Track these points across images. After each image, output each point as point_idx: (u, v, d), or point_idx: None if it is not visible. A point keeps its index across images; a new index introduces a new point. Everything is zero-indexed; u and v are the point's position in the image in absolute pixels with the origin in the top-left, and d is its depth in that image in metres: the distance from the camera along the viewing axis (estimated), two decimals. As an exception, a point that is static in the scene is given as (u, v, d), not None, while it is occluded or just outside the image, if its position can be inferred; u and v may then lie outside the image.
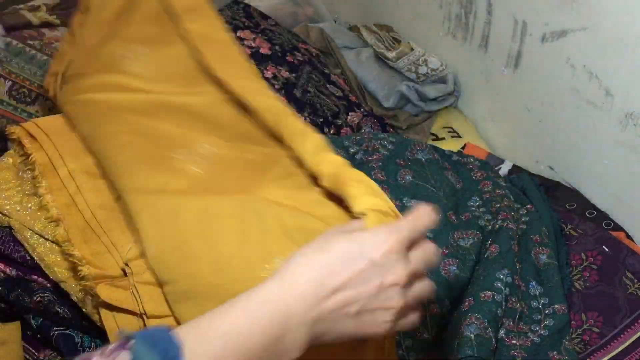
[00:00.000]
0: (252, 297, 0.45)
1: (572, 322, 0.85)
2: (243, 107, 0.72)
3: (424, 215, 0.50)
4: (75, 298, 0.69)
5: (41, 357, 0.78)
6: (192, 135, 0.70)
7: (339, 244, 0.48)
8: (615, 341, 0.82)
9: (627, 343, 0.81)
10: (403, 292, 0.48)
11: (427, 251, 0.51)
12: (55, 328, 0.75)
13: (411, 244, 0.49)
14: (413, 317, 0.51)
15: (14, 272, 0.73)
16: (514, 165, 1.18)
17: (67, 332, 0.74)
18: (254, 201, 0.64)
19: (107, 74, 0.75)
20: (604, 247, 0.91)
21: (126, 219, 0.65)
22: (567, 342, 0.81)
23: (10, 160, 0.76)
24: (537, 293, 0.87)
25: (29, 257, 0.72)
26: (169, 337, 0.41)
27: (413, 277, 0.49)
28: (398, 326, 0.50)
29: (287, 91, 1.15)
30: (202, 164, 0.67)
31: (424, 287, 0.51)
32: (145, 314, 0.62)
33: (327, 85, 1.24)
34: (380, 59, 1.42)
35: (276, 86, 1.15)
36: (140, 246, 0.62)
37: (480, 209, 0.98)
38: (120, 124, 0.70)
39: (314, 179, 0.64)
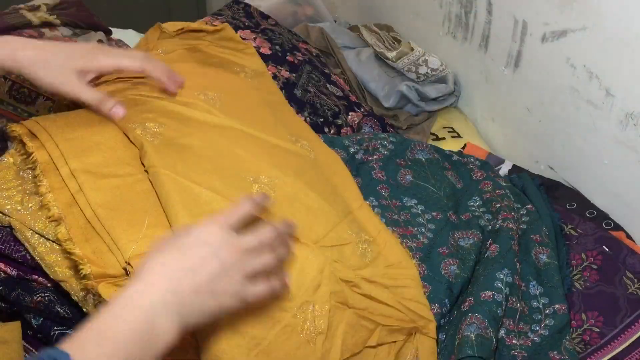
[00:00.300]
0: (119, 301, 0.53)
1: (573, 321, 0.85)
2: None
3: (243, 203, 0.62)
4: (76, 298, 0.69)
5: (41, 357, 0.78)
6: (259, 165, 0.78)
7: (182, 239, 0.58)
8: (615, 341, 0.82)
9: (628, 343, 0.81)
10: (239, 264, 0.58)
11: (260, 230, 0.61)
12: (55, 328, 0.75)
13: (244, 226, 0.61)
14: (262, 286, 0.60)
15: (14, 272, 0.73)
16: (514, 165, 1.18)
17: (68, 331, 0.74)
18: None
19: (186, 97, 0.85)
20: (604, 247, 0.91)
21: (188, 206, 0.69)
22: (567, 342, 0.81)
23: (11, 159, 0.76)
24: (538, 293, 0.87)
25: (29, 257, 0.72)
26: (58, 349, 0.47)
27: (248, 251, 0.59)
28: (251, 294, 0.59)
29: (287, 91, 1.15)
30: (264, 189, 0.76)
31: (265, 259, 0.61)
32: None
33: (328, 85, 1.24)
34: (380, 59, 1.42)
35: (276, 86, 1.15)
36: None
37: (481, 209, 0.98)
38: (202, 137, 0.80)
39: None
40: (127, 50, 0.76)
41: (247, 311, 0.64)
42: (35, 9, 1.22)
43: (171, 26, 1.03)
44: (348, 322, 0.73)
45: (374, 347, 0.76)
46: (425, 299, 0.81)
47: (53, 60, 0.69)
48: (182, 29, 1.03)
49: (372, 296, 0.76)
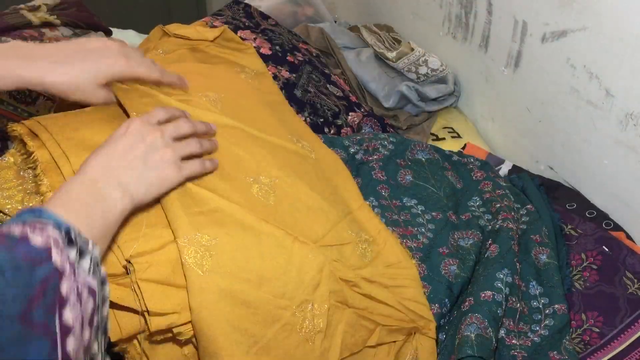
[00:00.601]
0: (66, 187, 0.61)
1: (572, 322, 0.85)
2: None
3: (159, 109, 0.72)
4: (76, 297, 0.69)
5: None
6: (259, 165, 0.80)
7: (110, 137, 0.67)
8: (615, 341, 0.82)
9: (627, 343, 0.81)
10: (166, 143, 0.68)
11: (179, 122, 0.72)
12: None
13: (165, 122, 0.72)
14: (193, 164, 0.71)
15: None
16: (514, 165, 1.18)
17: (68, 331, 0.74)
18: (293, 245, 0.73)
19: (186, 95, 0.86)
20: (604, 247, 0.91)
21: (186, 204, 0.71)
22: (567, 342, 0.81)
23: (12, 159, 0.76)
24: (537, 293, 0.87)
25: (29, 257, 0.71)
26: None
27: (172, 137, 0.69)
28: (185, 167, 0.69)
29: (287, 91, 1.15)
30: (264, 189, 0.78)
31: (191, 145, 0.72)
32: (148, 311, 0.62)
33: (328, 85, 1.24)
34: (380, 59, 1.42)
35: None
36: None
37: (480, 209, 0.98)
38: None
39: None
40: (146, 60, 0.80)
41: (246, 309, 0.64)
42: (35, 9, 1.22)
43: (173, 28, 1.03)
44: (347, 321, 0.73)
45: (373, 347, 0.76)
46: (425, 299, 0.81)
47: (82, 83, 0.73)
48: (183, 36, 1.03)
49: (372, 296, 0.76)
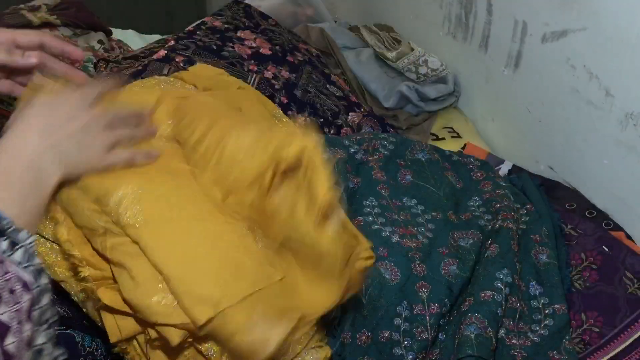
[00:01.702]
0: (5, 167, 0.58)
1: (572, 321, 0.85)
2: None
3: (97, 84, 0.69)
4: (75, 298, 0.69)
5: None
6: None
7: (48, 101, 0.64)
8: (615, 341, 0.82)
9: (627, 343, 0.81)
10: (98, 127, 0.65)
11: (112, 108, 0.69)
12: (55, 327, 0.75)
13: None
14: (124, 152, 0.67)
15: (15, 272, 0.73)
16: (514, 165, 1.18)
17: (68, 331, 0.74)
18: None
19: None
20: (604, 247, 0.91)
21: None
22: (567, 342, 0.81)
23: None
24: (537, 293, 0.87)
25: (29, 257, 0.72)
26: None
27: (104, 120, 0.66)
28: (114, 157, 0.66)
29: (287, 91, 1.15)
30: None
31: (121, 132, 0.68)
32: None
33: (328, 86, 1.24)
34: (380, 59, 1.42)
35: (276, 86, 1.15)
36: None
37: (480, 209, 0.98)
38: None
39: None
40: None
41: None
42: (35, 9, 1.23)
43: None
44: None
45: None
46: None
47: None
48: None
49: None
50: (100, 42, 1.30)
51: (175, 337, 0.61)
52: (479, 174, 1.04)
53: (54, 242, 0.69)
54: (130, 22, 1.71)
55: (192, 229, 0.65)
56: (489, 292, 0.81)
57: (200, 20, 1.28)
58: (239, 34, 1.24)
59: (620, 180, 1.00)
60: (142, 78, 1.02)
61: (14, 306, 0.49)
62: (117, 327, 0.64)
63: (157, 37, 1.52)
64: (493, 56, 1.24)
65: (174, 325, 0.61)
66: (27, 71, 0.72)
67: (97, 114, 0.66)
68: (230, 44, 1.20)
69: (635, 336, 0.81)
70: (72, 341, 0.73)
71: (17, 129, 0.61)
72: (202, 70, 1.04)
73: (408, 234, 0.90)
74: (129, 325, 0.64)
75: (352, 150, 1.03)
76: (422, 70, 1.37)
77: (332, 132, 1.16)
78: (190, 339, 0.63)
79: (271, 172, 0.66)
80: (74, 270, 0.66)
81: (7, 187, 0.57)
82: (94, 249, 0.65)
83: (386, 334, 0.79)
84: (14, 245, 0.52)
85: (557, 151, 1.13)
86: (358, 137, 1.06)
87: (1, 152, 0.59)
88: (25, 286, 0.51)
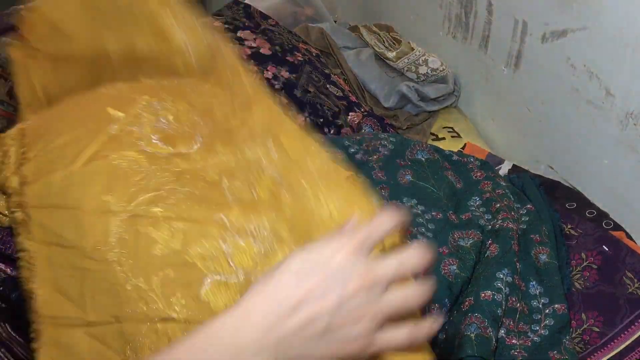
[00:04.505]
0: (207, 332, 0.43)
1: (572, 321, 0.85)
2: None
3: (386, 218, 0.46)
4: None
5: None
6: None
7: (293, 261, 0.45)
8: (615, 341, 0.82)
9: (627, 343, 0.81)
10: (372, 298, 0.43)
11: (405, 256, 0.45)
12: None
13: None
14: (401, 333, 0.46)
15: (14, 272, 0.73)
16: (514, 165, 1.18)
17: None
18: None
19: None
20: (604, 246, 0.91)
21: None
22: (567, 342, 0.81)
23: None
24: (537, 293, 0.87)
25: (29, 257, 0.72)
26: None
27: (384, 282, 0.44)
28: (382, 343, 0.45)
29: (287, 91, 1.15)
30: None
31: (405, 294, 0.45)
32: None
33: (328, 85, 1.24)
34: (380, 59, 1.42)
35: (276, 86, 1.15)
36: None
37: (480, 209, 0.98)
38: None
39: None
40: None
41: None
42: (35, 9, 1.22)
43: None
44: None
45: None
46: None
47: None
48: None
49: None
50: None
51: None
52: (479, 174, 1.04)
53: None
54: (130, 22, 1.71)
55: None
56: (489, 292, 0.81)
57: (200, 20, 1.28)
58: (239, 34, 1.24)
59: (620, 180, 1.00)
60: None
61: None
62: None
63: (157, 37, 1.52)
64: (493, 56, 1.24)
65: None
66: None
67: (373, 277, 0.44)
68: (230, 44, 1.20)
69: (636, 336, 0.81)
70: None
71: (238, 305, 0.44)
72: None
73: (408, 234, 0.90)
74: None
75: (352, 150, 1.03)
76: (422, 70, 1.37)
77: (332, 132, 1.16)
78: None
79: None
80: None
81: None
82: None
83: (386, 334, 0.79)
84: None
85: (557, 151, 1.13)
86: (358, 137, 1.06)
87: (208, 328, 0.44)
88: None
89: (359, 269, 0.43)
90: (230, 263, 0.59)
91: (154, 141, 0.67)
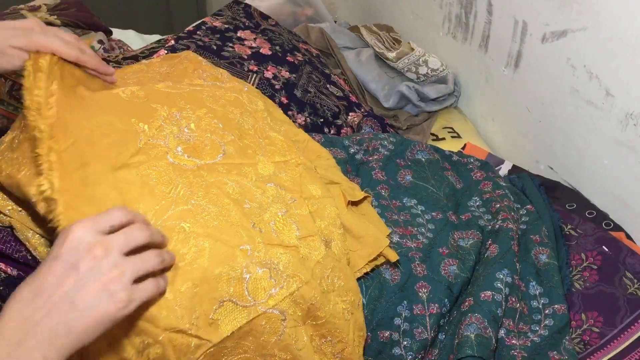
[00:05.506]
0: None
1: (572, 322, 0.85)
2: None
3: (111, 211, 0.55)
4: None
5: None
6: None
7: (47, 257, 0.52)
8: (615, 341, 0.82)
9: (627, 343, 0.81)
10: (110, 266, 0.51)
11: (130, 231, 0.54)
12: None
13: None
14: (146, 288, 0.54)
15: (15, 272, 0.73)
16: (514, 165, 1.18)
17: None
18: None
19: None
20: (603, 247, 0.91)
21: None
22: (567, 342, 0.81)
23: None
24: (537, 293, 0.87)
25: (30, 257, 0.72)
26: None
27: (115, 250, 0.52)
28: (138, 297, 0.53)
29: (287, 91, 1.15)
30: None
31: (145, 260, 0.54)
32: None
33: (328, 86, 1.24)
34: (380, 59, 1.42)
35: (276, 86, 1.15)
36: None
37: (480, 209, 0.98)
38: None
39: None
40: (64, 33, 0.71)
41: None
42: (35, 9, 1.23)
43: None
44: None
45: None
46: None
47: None
48: None
49: None
50: (100, 42, 1.30)
51: None
52: (479, 174, 1.04)
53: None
54: (130, 22, 1.71)
55: None
56: (489, 292, 0.82)
57: (200, 20, 1.28)
58: (239, 34, 1.24)
59: (620, 180, 1.00)
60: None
61: None
62: None
63: (157, 37, 1.52)
64: (493, 56, 1.24)
65: None
66: None
67: (106, 243, 0.53)
68: (230, 44, 1.20)
69: (636, 336, 0.81)
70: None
71: (11, 301, 0.51)
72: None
73: (408, 234, 0.90)
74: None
75: (352, 150, 1.03)
76: (422, 70, 1.37)
77: (332, 132, 1.16)
78: None
79: None
80: None
81: None
82: None
83: (386, 334, 0.79)
84: None
85: (557, 151, 1.13)
86: (358, 137, 1.06)
87: None
88: None
89: (91, 245, 0.52)
90: (246, 292, 0.64)
91: (179, 154, 0.70)
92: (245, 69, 1.15)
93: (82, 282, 0.50)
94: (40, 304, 0.50)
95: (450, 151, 1.10)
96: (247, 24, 1.28)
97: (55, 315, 0.49)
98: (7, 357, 0.48)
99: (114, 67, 0.81)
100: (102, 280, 0.51)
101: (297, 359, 0.67)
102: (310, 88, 1.20)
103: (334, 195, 0.83)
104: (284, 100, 1.14)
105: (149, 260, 0.55)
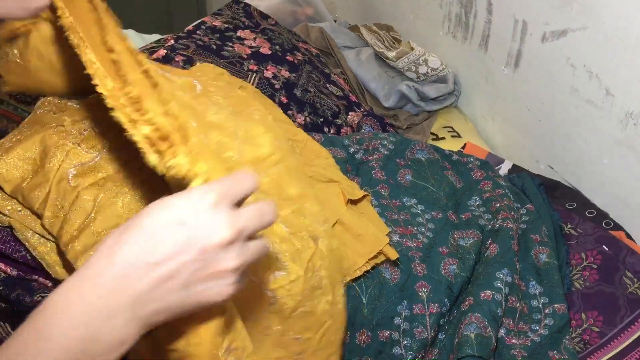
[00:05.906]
0: (51, 304, 0.42)
1: (572, 321, 0.85)
2: None
3: (243, 176, 0.46)
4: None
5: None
6: None
7: (149, 218, 0.43)
8: (615, 340, 0.82)
9: (627, 342, 0.81)
10: (237, 250, 0.44)
11: (261, 208, 0.45)
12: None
13: (239, 203, 0.45)
14: (255, 248, 0.46)
15: (14, 272, 0.73)
16: (514, 165, 1.18)
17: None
18: None
19: None
20: (603, 246, 0.91)
21: None
22: (567, 342, 0.81)
23: (27, 154, 0.75)
24: (537, 292, 0.87)
25: (29, 257, 0.72)
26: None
27: (246, 234, 0.44)
28: (240, 286, 0.46)
29: (287, 91, 1.15)
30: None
31: (258, 245, 0.46)
32: None
33: (327, 85, 1.24)
34: (380, 58, 1.42)
35: (276, 86, 1.15)
36: None
37: (480, 209, 0.98)
38: None
39: None
40: None
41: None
42: (35, 9, 1.22)
43: None
44: None
45: None
46: None
47: None
48: None
49: None
50: (100, 41, 1.30)
51: None
52: (479, 174, 1.04)
53: (54, 242, 0.69)
54: (130, 22, 1.71)
55: None
56: (488, 292, 0.81)
57: (200, 20, 1.28)
58: (238, 33, 1.24)
59: (620, 179, 1.00)
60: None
61: None
62: None
63: (157, 37, 1.52)
64: (493, 55, 1.24)
65: None
66: None
67: (240, 228, 0.44)
68: (230, 44, 1.20)
69: (636, 336, 0.81)
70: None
71: (84, 269, 0.43)
72: (204, 69, 1.04)
73: (408, 234, 0.90)
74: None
75: (352, 150, 1.03)
76: (422, 69, 1.37)
77: (332, 131, 1.16)
78: None
79: None
80: (73, 271, 0.65)
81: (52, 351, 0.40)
82: None
83: (386, 334, 0.79)
84: None
85: (557, 151, 1.13)
86: (358, 137, 1.06)
87: (53, 300, 0.42)
88: None
89: (222, 222, 0.43)
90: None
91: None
92: (245, 68, 1.15)
93: (208, 261, 0.43)
94: (147, 276, 0.42)
95: (450, 150, 1.10)
96: (246, 23, 1.28)
97: (166, 294, 0.42)
98: (78, 322, 0.41)
99: None
100: (219, 265, 0.43)
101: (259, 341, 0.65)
102: (310, 87, 1.20)
103: (317, 191, 0.80)
104: (284, 99, 1.14)
105: (261, 252, 0.47)
